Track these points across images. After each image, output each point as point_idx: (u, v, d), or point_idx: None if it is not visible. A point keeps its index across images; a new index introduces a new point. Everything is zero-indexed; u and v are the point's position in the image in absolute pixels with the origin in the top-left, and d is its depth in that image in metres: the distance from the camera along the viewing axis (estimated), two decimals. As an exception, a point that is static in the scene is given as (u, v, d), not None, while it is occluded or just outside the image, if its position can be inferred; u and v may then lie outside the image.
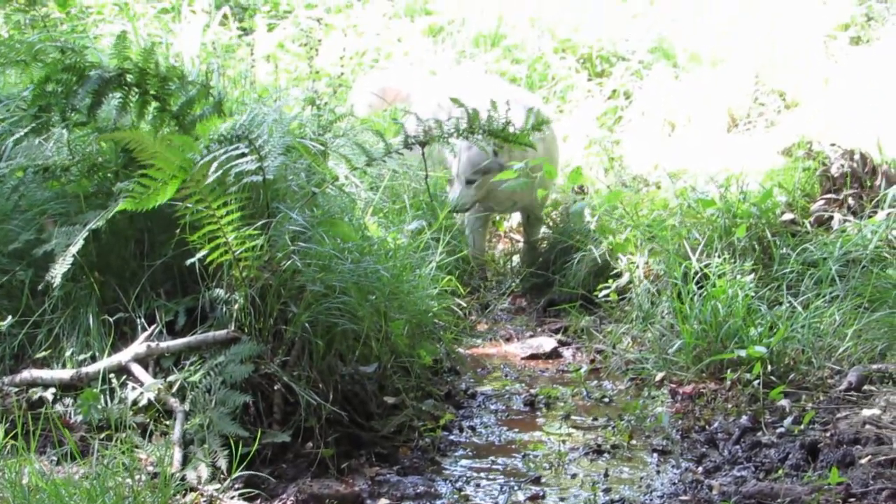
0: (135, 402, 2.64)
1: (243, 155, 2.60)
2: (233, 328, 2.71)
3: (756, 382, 2.96)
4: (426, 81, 4.47)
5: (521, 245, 4.37)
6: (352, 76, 5.25)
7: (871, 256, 3.29)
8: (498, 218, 4.58)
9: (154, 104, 2.87)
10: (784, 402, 2.90)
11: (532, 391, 3.18)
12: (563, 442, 2.82)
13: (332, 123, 3.09)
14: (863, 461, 2.50)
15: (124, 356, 2.70)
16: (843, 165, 3.76)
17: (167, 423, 2.60)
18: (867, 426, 2.66)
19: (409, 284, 3.08)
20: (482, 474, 2.64)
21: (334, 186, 2.99)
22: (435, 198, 3.90)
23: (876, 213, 3.53)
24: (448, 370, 3.29)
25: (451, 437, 2.86)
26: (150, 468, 2.46)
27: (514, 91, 4.17)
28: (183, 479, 2.43)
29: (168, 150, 2.50)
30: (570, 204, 4.11)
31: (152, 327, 2.76)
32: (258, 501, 2.45)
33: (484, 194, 3.90)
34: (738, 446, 2.73)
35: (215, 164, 2.57)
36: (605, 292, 3.60)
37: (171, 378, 2.67)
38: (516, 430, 2.92)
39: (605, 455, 2.74)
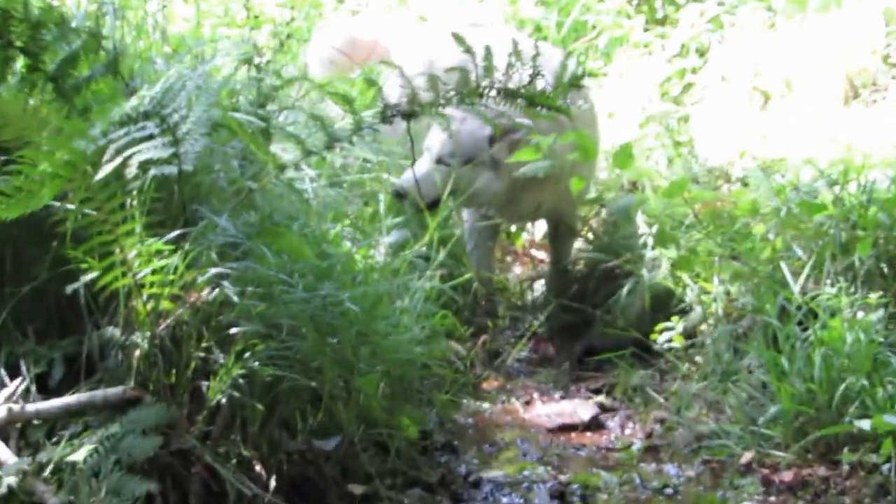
0: (-12, 491, 2.65)
1: (151, 137, 2.64)
2: (132, 384, 2.72)
3: (886, 467, 2.98)
4: (412, 31, 4.51)
5: (546, 267, 4.42)
6: (306, 24, 5.31)
7: None
8: (513, 228, 4.61)
9: (22, 61, 2.89)
10: (926, 496, 2.92)
11: (562, 478, 3.20)
12: (609, 556, 2.92)
13: (277, 90, 3.11)
14: None
15: (-28, 424, 2.76)
16: None
17: (35, 521, 2.61)
18: None
19: (387, 323, 3.11)
20: None
21: (280, 181, 3.03)
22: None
23: None
24: (442, 446, 3.31)
25: (446, 548, 2.94)
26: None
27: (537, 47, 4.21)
28: None
29: (44, 128, 2.51)
30: (615, 204, 4.16)
31: (15, 382, 2.77)
32: None
33: (469, 189, 3.88)
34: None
35: (111, 150, 2.60)
36: (666, 335, 3.62)
37: (41, 456, 2.67)
38: (539, 537, 3.00)
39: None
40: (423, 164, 3.82)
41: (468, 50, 2.87)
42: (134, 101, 2.62)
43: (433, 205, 3.70)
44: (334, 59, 4.46)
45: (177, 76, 2.70)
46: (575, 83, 2.92)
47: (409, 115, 2.91)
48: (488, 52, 2.84)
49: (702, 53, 5.62)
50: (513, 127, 3.56)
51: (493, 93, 2.88)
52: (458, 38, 2.89)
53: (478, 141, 3.83)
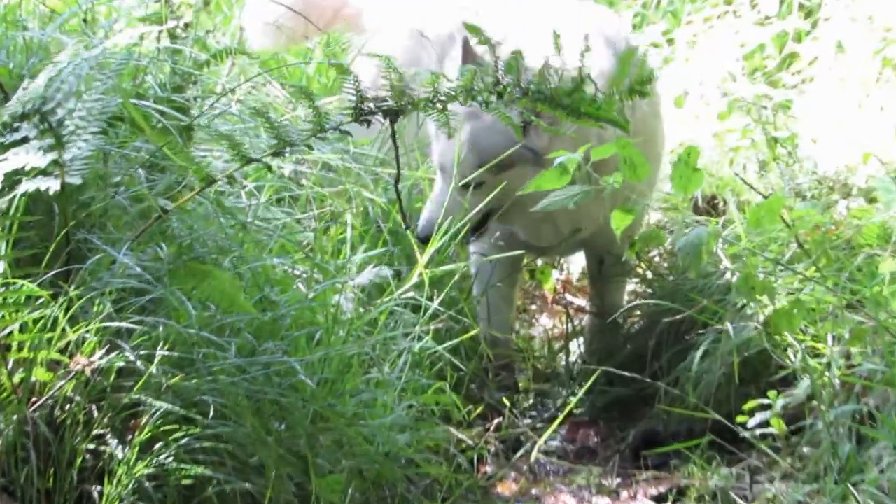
0: None
1: (26, 140, 2.65)
2: (-14, 494, 2.79)
3: None
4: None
5: (587, 319, 4.43)
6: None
7: None
8: (538, 263, 4.61)
9: None
10: None
11: None
12: None
13: (202, 69, 3.14)
14: None
15: None
16: None
17: None
18: None
19: (358, 401, 3.14)
20: None
21: (206, 198, 3.06)
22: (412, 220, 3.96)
23: None
24: (436, 579, 3.38)
25: None
26: None
27: (577, 9, 4.22)
28: None
29: None
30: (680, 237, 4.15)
31: None
32: None
33: (503, 207, 3.94)
34: None
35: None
36: (759, 418, 3.61)
37: None
38: None
39: None
40: (443, 192, 3.90)
41: (486, 41, 2.91)
42: (13, 103, 2.64)
43: (473, 238, 3.91)
44: (282, 25, 4.46)
45: (63, 58, 2.73)
46: (638, 90, 2.96)
47: (394, 114, 2.95)
48: (517, 56, 2.88)
49: (808, 14, 5.62)
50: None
51: (519, 94, 2.94)
52: (474, 29, 2.96)
53: (506, 136, 3.84)
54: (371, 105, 2.91)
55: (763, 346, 3.75)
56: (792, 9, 5.61)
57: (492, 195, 3.89)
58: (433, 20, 4.14)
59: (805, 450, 3.57)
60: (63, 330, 2.78)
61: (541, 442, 3.91)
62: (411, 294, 3.50)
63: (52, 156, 2.70)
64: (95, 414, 2.79)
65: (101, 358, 2.80)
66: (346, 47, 4.27)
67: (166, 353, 2.83)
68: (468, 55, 3.84)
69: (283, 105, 3.16)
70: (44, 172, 2.67)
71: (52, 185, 2.73)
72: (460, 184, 3.90)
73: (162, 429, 2.81)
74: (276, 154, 2.94)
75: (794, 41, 5.53)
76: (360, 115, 2.91)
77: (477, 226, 3.95)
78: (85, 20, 3.14)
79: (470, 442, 3.62)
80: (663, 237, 4.10)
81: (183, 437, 2.79)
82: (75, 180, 2.76)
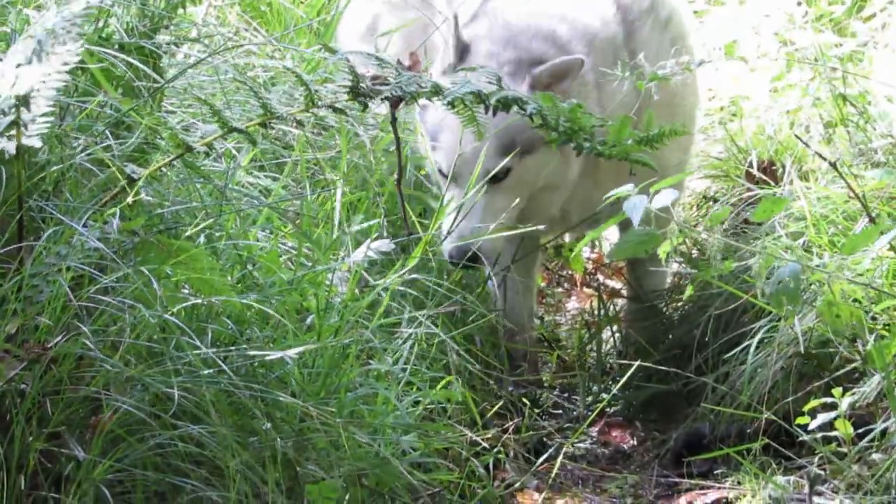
0: None
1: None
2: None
3: None
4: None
5: (622, 304, 4.41)
6: None
7: None
8: (564, 240, 4.58)
9: None
10: None
11: None
12: None
13: (173, 10, 3.09)
14: None
15: None
16: None
17: None
18: None
19: (355, 397, 3.14)
20: None
21: (185, 161, 3.04)
22: (420, 199, 3.98)
23: None
24: None
25: None
26: None
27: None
28: None
29: None
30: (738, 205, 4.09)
31: None
32: None
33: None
34: None
35: None
36: (822, 419, 3.56)
37: None
38: None
39: None
40: (463, 197, 3.90)
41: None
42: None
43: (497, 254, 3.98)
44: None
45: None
46: (655, 142, 3.05)
47: (396, 101, 3.03)
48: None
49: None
50: (558, 66, 3.84)
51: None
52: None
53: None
54: (369, 85, 2.98)
55: (827, 336, 3.71)
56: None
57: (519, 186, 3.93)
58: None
59: (875, 456, 3.52)
60: (14, 312, 2.75)
61: (569, 445, 3.94)
62: (416, 274, 3.49)
63: (8, 118, 2.70)
64: (50, 409, 2.77)
65: (56, 345, 2.77)
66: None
67: (132, 340, 2.82)
68: (457, 33, 3.93)
69: (267, 55, 3.14)
70: (-2, 133, 2.69)
71: (8, 147, 2.72)
72: (487, 178, 3.87)
73: (127, 428, 2.79)
74: (264, 124, 2.98)
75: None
76: (357, 96, 2.97)
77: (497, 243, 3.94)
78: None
79: (485, 445, 3.56)
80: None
81: (152, 437, 2.79)
82: (34, 142, 2.74)
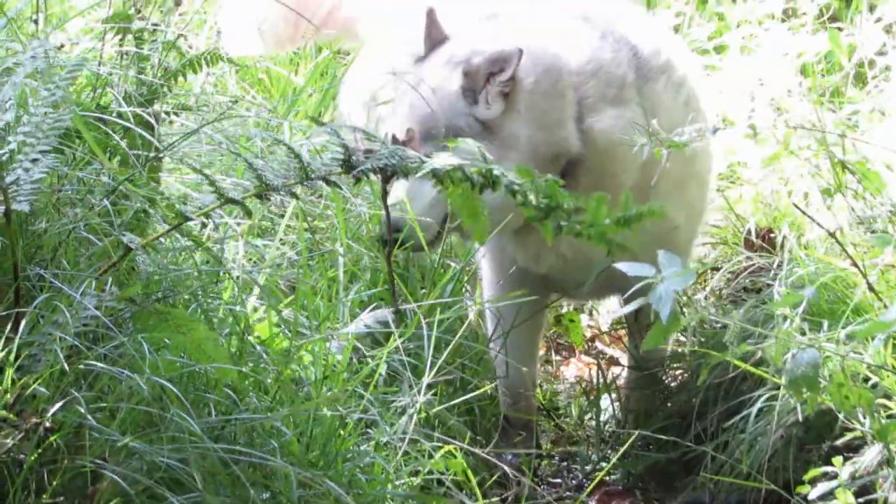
0: None
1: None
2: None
3: None
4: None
5: (621, 371, 4.42)
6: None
7: None
8: (565, 308, 4.61)
9: None
10: None
11: None
12: None
13: (172, 79, 3.11)
14: None
15: None
16: None
17: None
18: None
19: (352, 467, 3.16)
20: None
21: (182, 231, 3.05)
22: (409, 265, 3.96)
23: None
24: None
25: None
26: None
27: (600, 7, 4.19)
28: None
29: None
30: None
31: None
32: None
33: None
34: None
35: None
36: (822, 489, 3.57)
37: None
38: None
39: None
40: (400, 187, 3.79)
41: None
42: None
43: (434, 239, 3.86)
44: (270, 29, 4.49)
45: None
46: (633, 222, 2.97)
47: (387, 174, 3.03)
48: None
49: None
50: (494, 56, 3.78)
51: None
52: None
53: (450, 103, 3.85)
54: (361, 159, 2.97)
55: (827, 405, 3.72)
56: (861, 4, 5.64)
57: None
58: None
59: (878, 530, 3.50)
60: (10, 383, 2.76)
61: (566, 515, 3.91)
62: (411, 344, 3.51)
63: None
64: (49, 481, 2.77)
65: (53, 414, 2.78)
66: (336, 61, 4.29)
67: (131, 405, 2.85)
68: (432, 28, 3.93)
69: (264, 123, 3.15)
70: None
71: (-6, 214, 2.72)
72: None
73: (124, 498, 2.80)
74: (259, 195, 2.97)
75: (865, 46, 5.54)
76: (350, 167, 2.97)
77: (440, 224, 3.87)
78: (35, 21, 3.13)
79: (483, 514, 3.57)
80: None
81: (147, 509, 2.79)
82: (22, 207, 2.74)
